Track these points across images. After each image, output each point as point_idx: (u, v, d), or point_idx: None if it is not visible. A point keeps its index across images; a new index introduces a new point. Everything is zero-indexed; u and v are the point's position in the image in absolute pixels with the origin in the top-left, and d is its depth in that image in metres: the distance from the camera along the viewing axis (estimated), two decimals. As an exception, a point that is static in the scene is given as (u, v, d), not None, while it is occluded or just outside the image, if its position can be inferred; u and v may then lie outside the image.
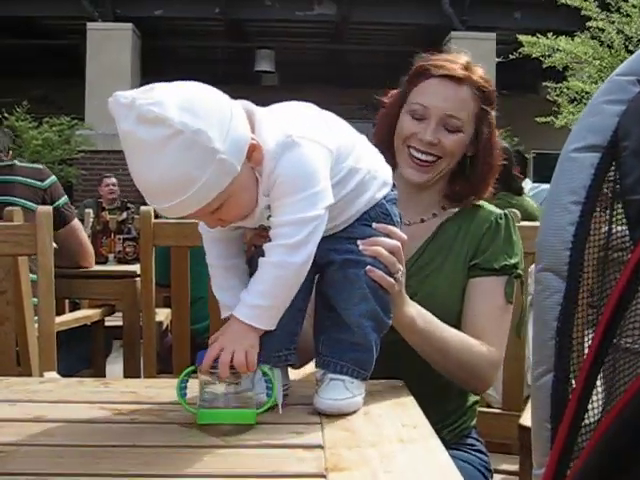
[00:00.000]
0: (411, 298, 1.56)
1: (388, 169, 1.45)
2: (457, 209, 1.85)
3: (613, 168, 0.81)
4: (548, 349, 0.84)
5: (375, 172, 1.38)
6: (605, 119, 0.83)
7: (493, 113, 1.82)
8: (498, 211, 1.83)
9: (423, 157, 1.76)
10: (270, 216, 1.23)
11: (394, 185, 1.44)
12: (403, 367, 1.51)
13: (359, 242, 1.34)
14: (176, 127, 1.06)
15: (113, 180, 9.11)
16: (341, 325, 1.31)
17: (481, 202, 1.87)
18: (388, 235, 1.38)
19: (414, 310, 1.53)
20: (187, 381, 1.26)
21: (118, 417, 1.26)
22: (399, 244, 1.38)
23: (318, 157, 1.21)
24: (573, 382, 0.81)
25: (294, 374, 1.51)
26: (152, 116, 1.06)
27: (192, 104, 1.10)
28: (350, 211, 1.35)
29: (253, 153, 1.16)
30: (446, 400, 1.79)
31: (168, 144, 1.06)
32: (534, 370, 0.87)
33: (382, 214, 1.39)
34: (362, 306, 1.31)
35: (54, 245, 3.33)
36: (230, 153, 1.11)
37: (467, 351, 1.63)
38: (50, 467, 1.03)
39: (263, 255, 1.22)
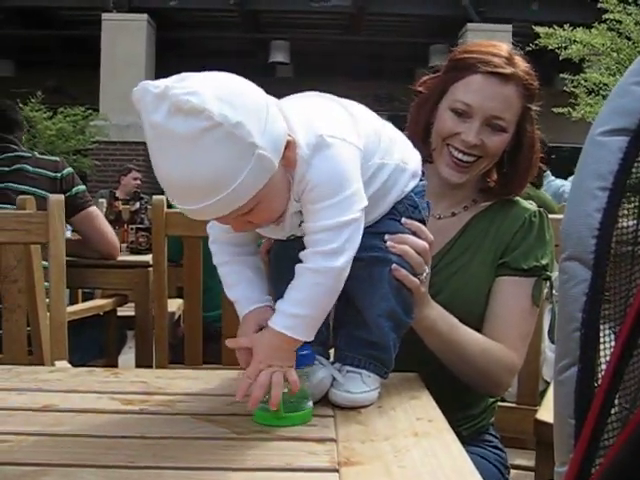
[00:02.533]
0: (435, 296, 1.53)
1: (417, 157, 1.39)
2: (490, 202, 1.79)
3: (642, 153, 0.78)
4: (573, 341, 0.80)
5: (404, 164, 1.32)
6: (634, 101, 0.80)
7: (535, 108, 1.73)
8: (533, 208, 1.77)
9: (465, 158, 1.68)
10: (302, 222, 1.18)
11: (423, 174, 1.39)
12: (423, 367, 1.48)
13: (387, 237, 1.30)
14: (215, 119, 0.97)
15: (139, 174, 9.10)
16: (359, 322, 1.29)
17: (515, 197, 1.80)
18: (416, 233, 1.34)
19: (435, 312, 1.50)
20: None
21: (127, 407, 1.24)
22: (427, 245, 1.35)
23: (350, 158, 1.15)
24: (599, 376, 0.78)
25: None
26: (189, 107, 0.96)
27: (229, 95, 1.01)
28: (379, 208, 1.31)
29: (287, 151, 1.08)
30: (466, 401, 1.75)
31: (205, 137, 0.97)
32: (557, 363, 0.84)
33: (410, 207, 1.34)
34: (382, 305, 1.28)
35: (76, 235, 3.35)
36: (269, 148, 1.03)
37: (484, 356, 1.58)
38: (57, 457, 1.01)
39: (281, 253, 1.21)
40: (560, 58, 8.62)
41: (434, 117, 1.73)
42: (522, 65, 1.68)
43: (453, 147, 1.69)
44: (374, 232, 1.30)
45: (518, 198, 1.80)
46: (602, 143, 0.81)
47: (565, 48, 8.64)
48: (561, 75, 9.03)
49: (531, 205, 1.78)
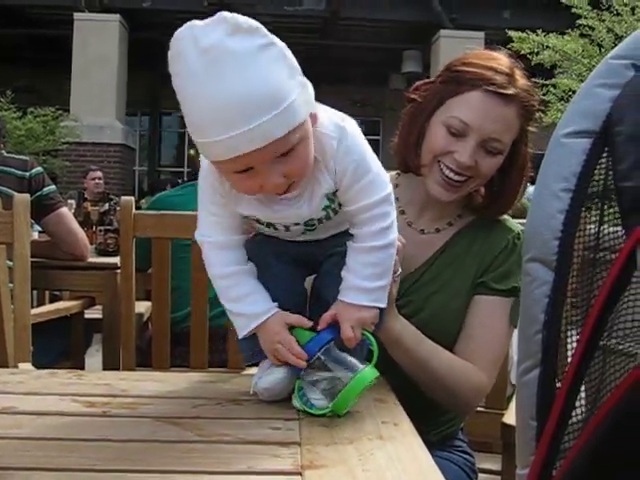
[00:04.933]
0: (412, 316, 1.53)
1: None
2: (472, 218, 1.74)
3: (605, 154, 0.77)
4: (535, 344, 0.80)
5: (382, 174, 1.29)
6: (598, 103, 0.80)
7: (532, 129, 1.68)
8: (517, 229, 1.72)
9: (456, 177, 1.61)
10: (330, 207, 1.24)
11: (395, 186, 1.41)
12: (391, 370, 1.48)
13: None
14: (270, 37, 1.05)
15: (99, 173, 9.03)
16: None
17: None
18: None
19: (400, 325, 1.50)
20: (302, 389, 1.24)
21: (90, 410, 1.22)
22: (400, 244, 1.35)
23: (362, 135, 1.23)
24: (560, 378, 0.78)
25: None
26: (247, 26, 1.04)
27: None
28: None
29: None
30: (435, 407, 1.69)
31: (261, 54, 1.03)
32: (519, 365, 0.84)
33: None
34: None
35: (44, 236, 3.31)
36: (307, 84, 1.11)
37: (452, 375, 1.57)
38: (16, 461, 0.98)
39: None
40: (532, 63, 8.71)
41: (426, 130, 1.65)
42: (523, 83, 1.61)
43: (444, 165, 1.61)
44: (347, 234, 1.30)
45: (503, 217, 1.75)
46: (566, 144, 0.81)
47: (537, 54, 8.72)
48: (533, 80, 9.11)
49: (516, 226, 1.74)
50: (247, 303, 1.27)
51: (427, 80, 1.73)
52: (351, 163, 1.19)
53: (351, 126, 1.21)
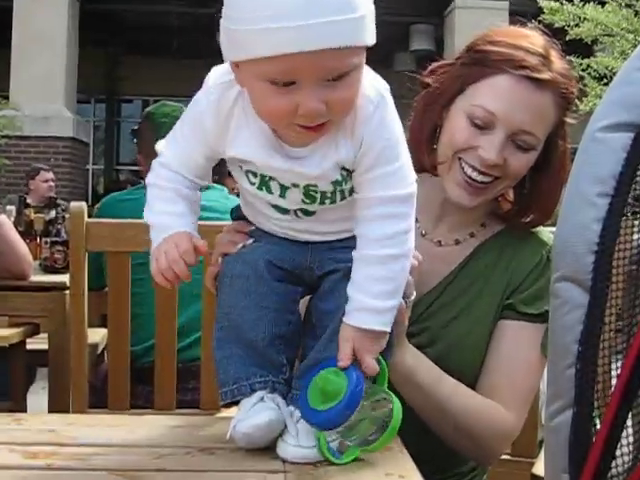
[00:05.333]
0: (427, 347, 1.54)
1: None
2: (498, 228, 1.74)
3: (650, 152, 0.78)
4: (566, 380, 0.80)
5: (410, 168, 1.31)
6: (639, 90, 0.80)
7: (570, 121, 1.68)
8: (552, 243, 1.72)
9: (480, 178, 1.61)
10: (339, 184, 1.25)
11: None
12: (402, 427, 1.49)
13: None
14: None
15: (51, 175, 9.02)
16: (324, 346, 1.28)
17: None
18: None
19: (412, 358, 1.51)
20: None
21: (31, 462, 1.22)
22: (415, 262, 1.35)
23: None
24: (597, 421, 0.78)
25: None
26: None
27: None
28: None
29: None
30: (452, 456, 1.70)
31: None
32: (549, 406, 0.84)
33: None
34: None
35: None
36: None
37: (474, 417, 1.57)
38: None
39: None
40: (567, 38, 8.73)
41: (444, 120, 1.66)
42: (560, 66, 1.62)
43: (467, 163, 1.61)
44: (346, 247, 1.30)
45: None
46: (602, 140, 0.82)
47: (575, 26, 8.74)
48: (568, 58, 9.14)
49: (551, 238, 1.72)
50: (169, 216, 1.31)
51: (445, 62, 1.73)
52: (381, 141, 1.21)
53: (391, 100, 1.24)
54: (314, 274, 1.33)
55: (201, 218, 2.89)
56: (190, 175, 1.33)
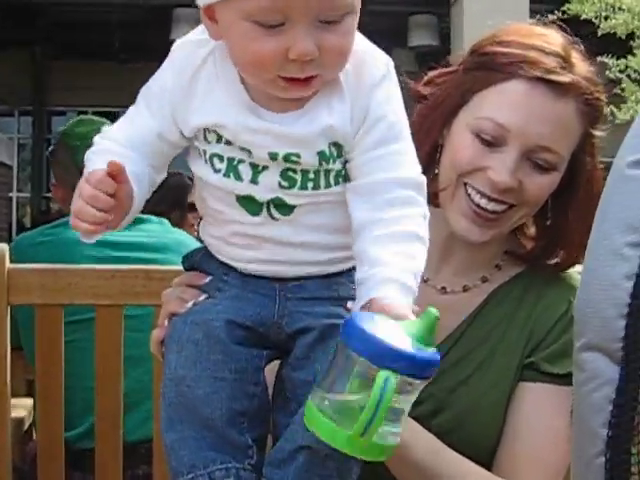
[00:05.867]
0: (430, 419, 1.56)
1: None
2: (516, 271, 1.76)
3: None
4: (595, 470, 0.81)
5: (414, 153, 1.38)
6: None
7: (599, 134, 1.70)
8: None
9: (490, 206, 1.62)
10: (325, 158, 1.29)
11: None
12: None
13: (350, 304, 1.32)
14: None
15: None
16: (300, 427, 1.28)
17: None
18: None
19: (408, 429, 1.51)
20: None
21: None
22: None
23: None
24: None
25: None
26: None
27: None
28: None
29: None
30: None
31: None
32: (576, 502, 0.85)
33: None
34: None
35: None
36: None
37: None
38: None
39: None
40: (599, 33, 8.79)
41: (445, 139, 1.69)
42: (583, 68, 1.65)
43: (473, 189, 1.63)
44: (330, 297, 1.33)
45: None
46: (633, 178, 0.83)
47: (606, 18, 8.81)
48: (600, 58, 9.21)
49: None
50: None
51: (445, 70, 1.75)
52: (390, 115, 1.31)
53: (395, 79, 1.34)
54: (283, 332, 1.35)
55: (138, 259, 2.91)
56: (142, 158, 1.34)
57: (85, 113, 17.57)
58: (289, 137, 1.28)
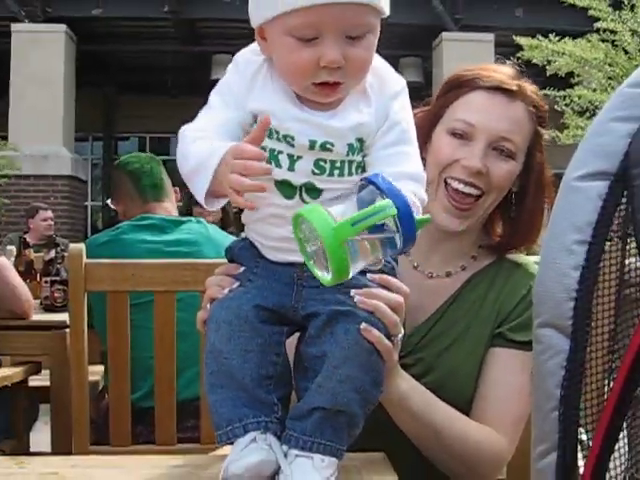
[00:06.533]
0: (421, 377, 1.54)
1: None
2: (488, 261, 1.77)
3: (624, 200, 0.79)
4: (551, 423, 0.81)
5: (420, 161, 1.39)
6: (614, 140, 0.81)
7: (545, 137, 1.74)
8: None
9: (466, 189, 1.64)
10: (353, 149, 1.30)
11: None
12: (392, 445, 1.47)
13: (354, 292, 1.31)
14: None
15: (50, 213, 8.99)
16: (315, 392, 1.28)
17: (520, 256, 1.78)
18: (387, 288, 1.34)
19: (407, 384, 1.50)
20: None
21: (34, 506, 1.22)
22: (402, 299, 1.35)
23: None
24: (581, 464, 0.78)
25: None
26: None
27: None
28: None
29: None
30: None
31: None
32: (534, 448, 0.84)
33: (387, 266, 1.36)
34: (345, 370, 1.27)
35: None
36: None
37: (467, 441, 1.57)
38: None
39: None
40: (548, 74, 8.77)
41: (427, 151, 1.70)
42: (528, 84, 1.71)
43: (452, 178, 1.66)
44: (336, 286, 1.31)
45: (524, 259, 1.78)
46: (578, 189, 0.83)
47: (550, 62, 8.80)
48: (545, 91, 9.17)
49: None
50: (208, 147, 1.27)
51: (422, 109, 1.78)
52: (404, 122, 1.34)
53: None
54: (298, 314, 1.34)
55: (181, 253, 2.91)
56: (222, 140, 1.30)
57: (144, 139, 17.71)
58: (327, 128, 1.29)
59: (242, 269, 1.41)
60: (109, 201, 3.58)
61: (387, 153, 1.31)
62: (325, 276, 1.17)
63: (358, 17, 1.23)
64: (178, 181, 1.37)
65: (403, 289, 1.37)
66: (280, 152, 1.30)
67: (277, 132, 1.30)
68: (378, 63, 1.35)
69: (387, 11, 1.28)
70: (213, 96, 1.37)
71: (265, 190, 1.22)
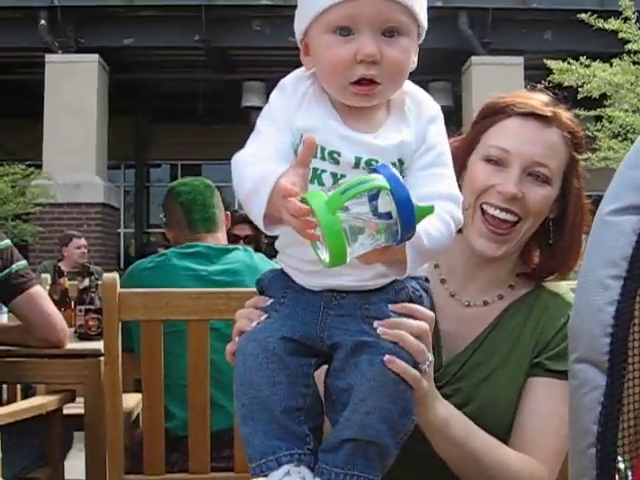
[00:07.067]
0: (460, 408, 1.53)
1: None
2: (526, 290, 1.75)
3: (659, 233, 0.79)
4: (588, 459, 0.80)
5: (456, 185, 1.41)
6: (649, 172, 0.82)
7: (582, 163, 1.73)
8: None
9: (502, 215, 1.64)
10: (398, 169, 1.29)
11: (427, 279, 1.45)
12: (433, 470, 1.48)
13: (376, 323, 1.31)
14: None
15: (84, 241, 9.07)
16: (344, 425, 1.28)
17: (558, 286, 1.77)
18: (412, 316, 1.35)
19: (446, 411, 1.50)
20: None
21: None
22: (427, 326, 1.35)
23: None
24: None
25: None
26: None
27: None
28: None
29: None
30: None
31: None
32: (572, 483, 0.84)
33: (415, 294, 1.38)
34: (371, 402, 1.27)
35: (13, 318, 3.31)
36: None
37: (506, 468, 1.56)
38: None
39: None
40: (579, 96, 8.75)
41: (463, 178, 1.70)
42: (563, 111, 1.70)
43: (488, 204, 1.65)
44: (362, 316, 1.32)
45: (561, 288, 1.77)
46: (613, 223, 0.82)
47: (583, 85, 8.78)
48: (577, 111, 9.10)
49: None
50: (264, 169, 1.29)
51: (457, 138, 1.78)
52: (441, 145, 1.37)
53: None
54: (324, 344, 1.35)
55: (223, 283, 2.91)
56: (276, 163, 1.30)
57: (175, 166, 17.82)
58: (370, 146, 1.31)
59: (270, 301, 1.42)
60: (163, 223, 3.56)
61: (423, 174, 1.33)
62: (324, 257, 1.17)
63: (392, 13, 1.29)
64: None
65: (428, 315, 1.37)
66: (324, 171, 1.32)
67: (323, 149, 1.32)
68: (414, 89, 1.40)
69: (423, 21, 1.34)
70: (260, 121, 1.38)
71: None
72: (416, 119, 1.36)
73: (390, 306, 1.34)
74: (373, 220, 1.16)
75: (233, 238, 4.28)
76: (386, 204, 1.16)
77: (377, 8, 1.27)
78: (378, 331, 1.30)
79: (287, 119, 1.34)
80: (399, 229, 1.15)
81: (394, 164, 1.30)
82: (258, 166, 1.29)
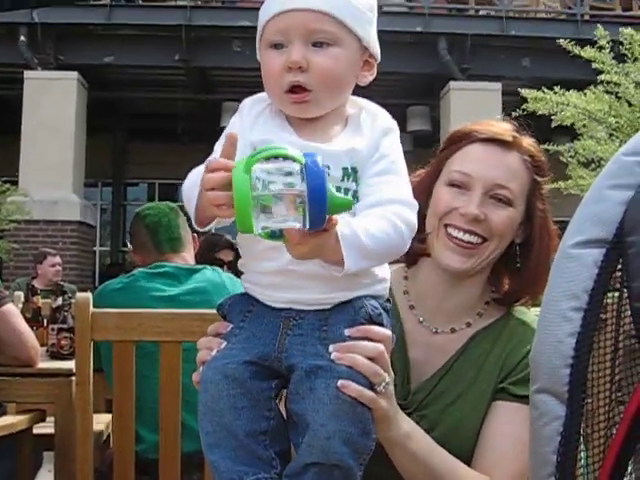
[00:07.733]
0: (427, 434, 1.55)
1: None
2: (494, 318, 1.77)
3: (620, 267, 0.80)
4: (548, 488, 0.81)
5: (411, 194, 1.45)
6: (610, 208, 0.82)
7: (546, 187, 1.77)
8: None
9: (466, 237, 1.66)
10: (347, 174, 1.38)
11: (388, 300, 1.47)
12: None
13: (331, 348, 1.33)
14: None
15: (58, 259, 9.00)
16: (306, 450, 1.29)
17: (523, 314, 1.79)
18: (368, 338, 1.36)
19: (408, 425, 1.51)
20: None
21: None
22: (382, 348, 1.37)
23: None
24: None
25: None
26: None
27: None
28: (364, 279, 1.39)
29: (369, 66, 1.49)
30: None
31: None
32: (531, 516, 0.84)
33: (374, 312, 1.40)
34: (331, 426, 1.28)
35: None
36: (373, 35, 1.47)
37: None
38: None
39: None
40: (553, 125, 8.82)
41: (428, 205, 1.73)
42: (525, 138, 1.75)
43: (451, 226, 1.68)
44: (319, 337, 1.33)
45: (529, 317, 1.78)
46: (574, 256, 0.84)
47: (556, 113, 8.84)
48: (547, 144, 9.15)
49: None
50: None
51: (423, 170, 1.84)
52: (394, 155, 1.42)
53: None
54: (282, 365, 1.37)
55: (191, 303, 2.90)
56: None
57: (153, 185, 17.75)
58: (322, 151, 1.32)
59: (230, 327, 1.43)
60: (129, 247, 3.61)
61: (375, 181, 1.37)
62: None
63: (318, 24, 1.38)
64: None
65: (385, 335, 1.39)
66: None
67: None
68: (372, 105, 1.49)
69: (362, 33, 1.43)
70: (217, 145, 1.42)
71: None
72: (370, 129, 1.42)
73: (346, 331, 1.35)
74: (284, 192, 1.18)
75: (218, 262, 4.32)
76: (300, 186, 1.19)
77: (304, 21, 1.38)
78: (332, 356, 1.33)
79: (242, 137, 1.37)
80: (306, 212, 1.18)
81: (345, 169, 1.36)
82: (198, 169, 1.37)
